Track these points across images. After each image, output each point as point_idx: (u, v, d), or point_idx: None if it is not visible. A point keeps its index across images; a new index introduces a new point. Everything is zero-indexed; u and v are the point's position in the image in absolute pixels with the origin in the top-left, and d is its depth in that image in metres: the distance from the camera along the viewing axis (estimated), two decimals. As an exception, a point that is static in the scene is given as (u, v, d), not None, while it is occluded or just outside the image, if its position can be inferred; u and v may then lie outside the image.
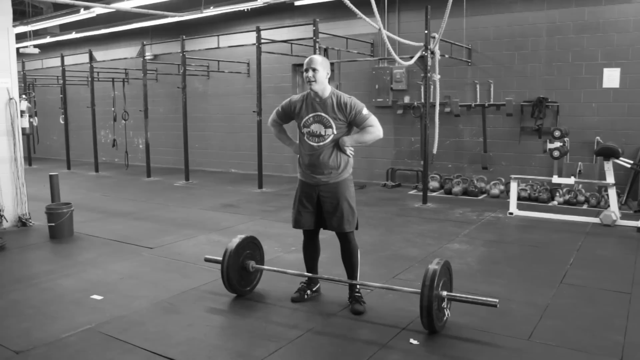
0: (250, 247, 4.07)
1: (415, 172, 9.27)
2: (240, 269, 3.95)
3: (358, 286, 3.80)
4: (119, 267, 4.80)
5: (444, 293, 3.36)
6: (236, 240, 3.97)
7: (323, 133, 3.58)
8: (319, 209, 3.74)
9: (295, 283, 4.05)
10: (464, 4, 8.35)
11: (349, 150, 3.65)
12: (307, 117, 3.62)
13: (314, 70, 3.51)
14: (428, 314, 3.20)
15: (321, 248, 4.00)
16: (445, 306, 3.37)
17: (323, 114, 3.57)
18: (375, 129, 3.60)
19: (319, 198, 3.69)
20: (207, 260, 4.20)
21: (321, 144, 3.60)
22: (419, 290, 3.25)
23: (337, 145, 3.62)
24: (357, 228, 3.78)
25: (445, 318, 3.40)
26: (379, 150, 9.56)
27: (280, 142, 3.99)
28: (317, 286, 3.99)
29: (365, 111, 3.58)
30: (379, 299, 3.91)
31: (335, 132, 3.58)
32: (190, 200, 8.36)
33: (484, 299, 3.35)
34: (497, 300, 3.30)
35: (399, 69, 9.09)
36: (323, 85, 3.56)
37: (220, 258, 3.95)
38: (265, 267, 4.17)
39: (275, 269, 4.18)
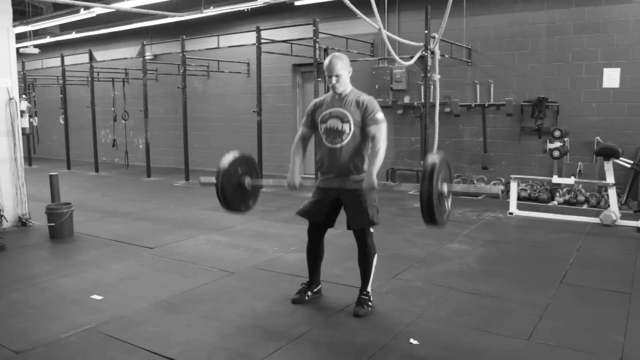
0: (246, 165, 3.89)
1: (415, 172, 9.27)
2: (237, 186, 3.78)
3: (368, 287, 3.76)
4: (119, 267, 4.80)
5: (445, 186, 3.21)
6: (230, 157, 3.79)
7: (340, 128, 3.56)
8: (335, 207, 3.70)
9: (295, 283, 4.05)
10: (464, 4, 8.34)
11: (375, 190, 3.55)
12: (325, 112, 3.65)
13: (337, 76, 3.56)
14: (428, 206, 3.05)
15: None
16: (444, 195, 3.21)
17: (341, 109, 3.59)
18: (381, 143, 3.51)
19: (340, 201, 3.66)
20: (202, 184, 4.00)
21: (338, 145, 3.58)
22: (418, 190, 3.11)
23: (356, 148, 3.58)
24: (375, 223, 3.64)
25: (446, 213, 3.28)
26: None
27: (290, 156, 3.81)
28: (318, 287, 3.96)
29: (379, 116, 3.54)
30: (379, 299, 3.90)
31: (352, 128, 3.56)
32: (190, 200, 8.35)
33: (486, 187, 3.14)
34: (500, 189, 3.10)
35: (399, 69, 9.09)
36: (345, 86, 3.62)
37: (214, 180, 3.75)
38: (262, 182, 3.97)
39: (272, 184, 4.07)
